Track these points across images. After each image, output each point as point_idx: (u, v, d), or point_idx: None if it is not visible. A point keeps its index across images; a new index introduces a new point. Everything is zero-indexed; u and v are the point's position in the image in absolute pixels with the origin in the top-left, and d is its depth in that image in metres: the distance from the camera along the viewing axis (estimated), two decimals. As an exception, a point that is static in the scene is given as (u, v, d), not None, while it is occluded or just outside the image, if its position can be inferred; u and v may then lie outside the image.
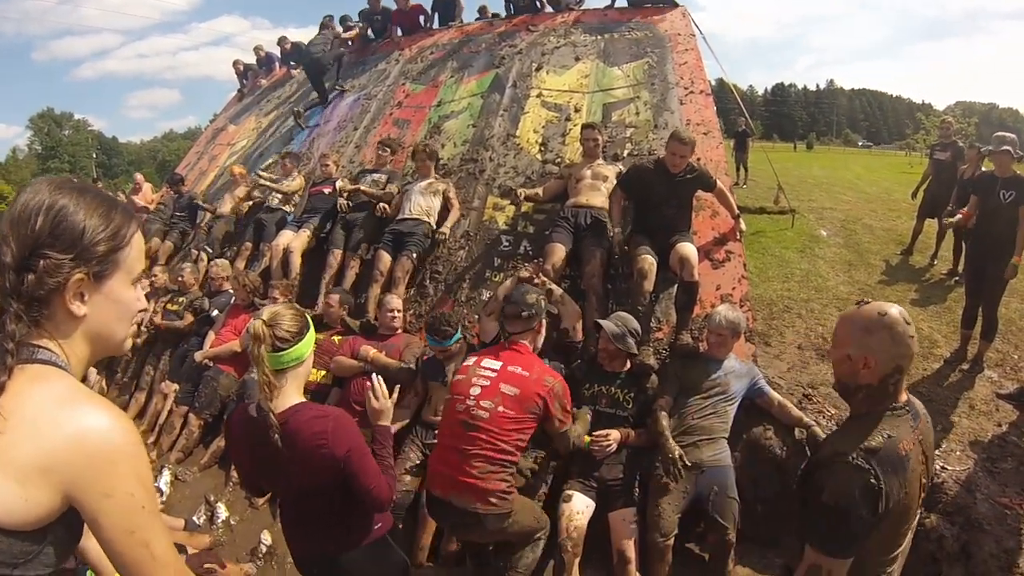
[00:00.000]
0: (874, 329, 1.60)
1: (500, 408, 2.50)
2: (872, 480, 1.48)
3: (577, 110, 5.92)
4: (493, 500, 2.44)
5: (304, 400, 1.96)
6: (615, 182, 4.44)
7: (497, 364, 2.64)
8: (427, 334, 3.76)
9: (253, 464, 2.00)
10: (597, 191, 4.51)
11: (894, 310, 1.60)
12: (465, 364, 2.75)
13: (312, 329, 1.99)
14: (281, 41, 11.20)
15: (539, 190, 4.94)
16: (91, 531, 0.95)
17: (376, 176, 5.67)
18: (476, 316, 4.38)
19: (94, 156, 58.65)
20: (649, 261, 3.83)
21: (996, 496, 3.36)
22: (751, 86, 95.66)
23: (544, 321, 2.92)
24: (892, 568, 1.66)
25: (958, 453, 3.73)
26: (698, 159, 4.19)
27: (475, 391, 2.56)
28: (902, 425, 1.59)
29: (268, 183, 6.33)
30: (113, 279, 1.03)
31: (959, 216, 5.17)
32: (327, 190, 5.88)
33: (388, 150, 5.88)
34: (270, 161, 7.11)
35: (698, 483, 3.10)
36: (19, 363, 0.92)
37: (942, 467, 3.56)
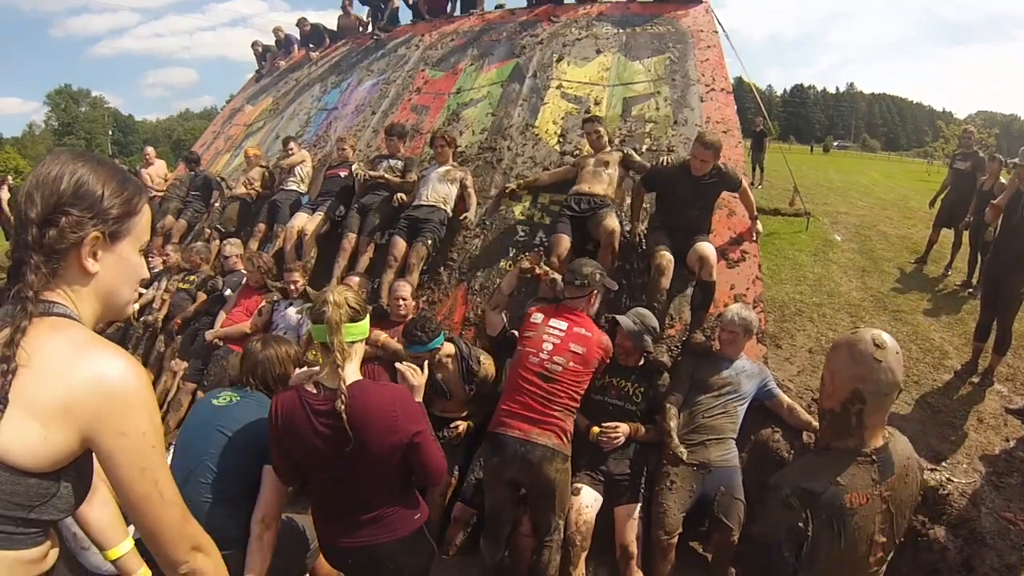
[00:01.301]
0: (839, 346, 1.52)
1: (571, 364, 2.91)
2: (800, 524, 1.39)
3: (597, 103, 5.88)
4: (564, 439, 2.85)
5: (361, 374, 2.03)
6: (618, 165, 4.59)
7: (563, 324, 3.00)
8: (402, 336, 3.49)
9: (301, 450, 1.97)
10: (599, 179, 4.52)
11: (866, 332, 1.50)
12: (533, 322, 3.04)
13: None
14: (301, 23, 11.20)
15: (543, 175, 5.13)
16: (105, 469, 1.02)
17: (392, 162, 5.65)
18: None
19: (110, 133, 59.23)
20: (667, 258, 3.83)
21: (1001, 511, 3.35)
22: (770, 86, 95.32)
23: (599, 294, 3.25)
24: None
25: (965, 466, 3.72)
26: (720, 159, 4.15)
27: (547, 347, 2.93)
28: (859, 475, 1.45)
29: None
30: (124, 242, 1.12)
31: (990, 211, 4.82)
32: (343, 173, 5.88)
33: (395, 137, 5.78)
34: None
35: (705, 483, 3.11)
36: (38, 315, 1.00)
37: (948, 479, 3.56)
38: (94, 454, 1.04)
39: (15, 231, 1.05)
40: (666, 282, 3.81)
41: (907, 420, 4.14)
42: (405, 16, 9.57)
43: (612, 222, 4.10)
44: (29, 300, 0.99)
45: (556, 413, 2.85)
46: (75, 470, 1.01)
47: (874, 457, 1.47)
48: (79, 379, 0.96)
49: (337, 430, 1.85)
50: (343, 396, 1.84)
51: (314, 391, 1.94)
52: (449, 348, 3.53)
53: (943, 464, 3.70)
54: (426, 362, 2.61)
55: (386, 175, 5.45)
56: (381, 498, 2.01)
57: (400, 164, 5.60)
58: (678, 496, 3.06)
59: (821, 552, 1.39)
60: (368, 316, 2.06)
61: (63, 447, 0.96)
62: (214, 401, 2.36)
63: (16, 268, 1.03)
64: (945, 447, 3.88)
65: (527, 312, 3.18)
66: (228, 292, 5.32)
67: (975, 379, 4.69)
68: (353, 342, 1.97)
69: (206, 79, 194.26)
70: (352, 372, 1.97)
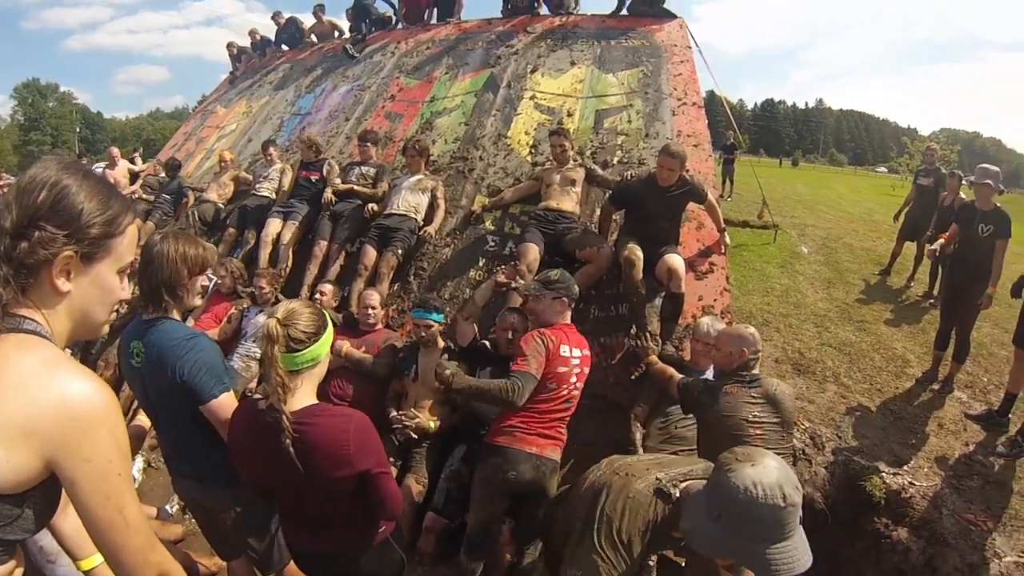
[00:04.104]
0: (732, 336, 2.93)
1: (581, 385, 3.01)
2: (699, 391, 2.92)
3: (570, 114, 5.94)
4: (562, 450, 3.01)
5: (318, 401, 1.88)
6: (584, 183, 4.66)
7: (579, 352, 3.00)
8: (413, 307, 3.92)
9: (259, 462, 1.88)
10: (567, 195, 4.58)
11: (746, 327, 2.97)
12: (563, 355, 2.92)
13: (330, 328, 1.91)
14: (275, 15, 11.12)
15: (506, 192, 5.11)
16: (68, 494, 0.98)
17: (364, 169, 5.63)
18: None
19: (77, 130, 57.81)
20: (636, 252, 3.88)
21: (962, 512, 3.47)
22: (741, 100, 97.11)
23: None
24: None
25: (926, 470, 3.83)
26: (687, 171, 4.22)
27: (573, 378, 2.96)
28: (734, 383, 2.82)
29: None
30: (101, 264, 1.07)
31: (941, 240, 5.30)
32: (314, 177, 5.84)
33: (368, 144, 5.74)
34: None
35: None
36: (7, 330, 0.96)
37: (910, 482, 3.66)
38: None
39: None
40: (638, 274, 3.85)
41: (870, 426, 4.26)
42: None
43: (606, 254, 4.18)
44: None
45: (563, 428, 3.01)
46: (41, 493, 0.98)
47: (748, 380, 2.81)
48: (43, 401, 0.92)
49: (284, 454, 1.73)
50: (287, 430, 1.71)
51: (263, 409, 1.79)
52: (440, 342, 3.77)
53: (905, 468, 3.82)
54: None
55: (355, 187, 5.44)
56: (341, 514, 1.93)
57: (372, 172, 5.59)
58: None
59: (705, 408, 2.83)
60: (323, 336, 1.86)
61: (25, 471, 0.92)
62: (132, 362, 2.18)
63: None
64: (907, 452, 3.99)
65: (554, 341, 2.93)
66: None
67: (935, 386, 4.84)
68: (300, 370, 1.80)
69: (178, 78, 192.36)
70: (303, 397, 1.83)
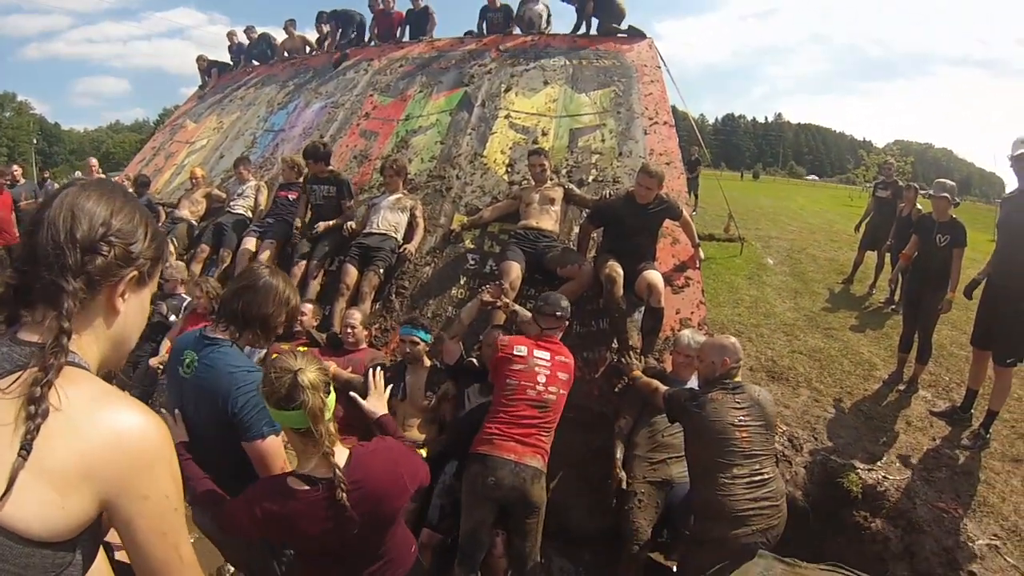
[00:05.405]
0: (715, 346, 3.03)
1: (561, 391, 3.15)
2: (685, 399, 2.95)
3: (544, 133, 6.05)
4: (546, 460, 3.08)
5: (345, 447, 1.81)
6: (563, 202, 4.79)
7: (547, 355, 3.19)
8: (402, 325, 3.97)
9: (290, 540, 1.83)
10: (546, 214, 4.69)
11: (727, 338, 3.07)
12: (519, 355, 3.15)
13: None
14: (248, 30, 11.05)
15: (484, 211, 5.20)
16: (121, 533, 0.93)
17: (327, 189, 5.52)
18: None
19: (35, 142, 56.06)
20: (616, 269, 3.98)
21: (934, 502, 3.68)
22: (702, 115, 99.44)
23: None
24: (726, 480, 2.71)
25: (898, 464, 4.04)
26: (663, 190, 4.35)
27: (541, 379, 3.11)
28: (719, 390, 2.88)
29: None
30: (147, 288, 1.07)
31: (901, 262, 5.65)
32: (292, 196, 5.83)
33: (311, 160, 5.49)
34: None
35: (668, 498, 3.25)
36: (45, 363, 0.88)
37: (884, 477, 3.85)
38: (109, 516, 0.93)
39: (30, 252, 0.93)
40: (619, 290, 3.96)
41: (843, 426, 4.46)
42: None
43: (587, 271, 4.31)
44: (66, 333, 0.88)
45: (544, 437, 3.08)
46: (90, 534, 0.91)
47: (732, 387, 2.88)
48: (96, 439, 0.86)
49: (341, 520, 1.65)
50: (343, 485, 1.62)
51: (306, 487, 1.67)
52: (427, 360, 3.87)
53: (878, 464, 4.03)
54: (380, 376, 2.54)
55: (329, 225, 5.41)
56: (383, 550, 1.88)
57: (333, 189, 5.51)
58: (646, 512, 3.22)
59: (693, 415, 2.85)
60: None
61: (79, 514, 0.85)
62: (180, 371, 2.11)
63: (17, 296, 0.92)
64: (879, 449, 4.20)
65: (506, 343, 3.25)
66: (172, 317, 5.14)
67: (901, 387, 5.09)
68: (330, 419, 1.72)
69: (138, 90, 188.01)
70: (341, 450, 1.74)
